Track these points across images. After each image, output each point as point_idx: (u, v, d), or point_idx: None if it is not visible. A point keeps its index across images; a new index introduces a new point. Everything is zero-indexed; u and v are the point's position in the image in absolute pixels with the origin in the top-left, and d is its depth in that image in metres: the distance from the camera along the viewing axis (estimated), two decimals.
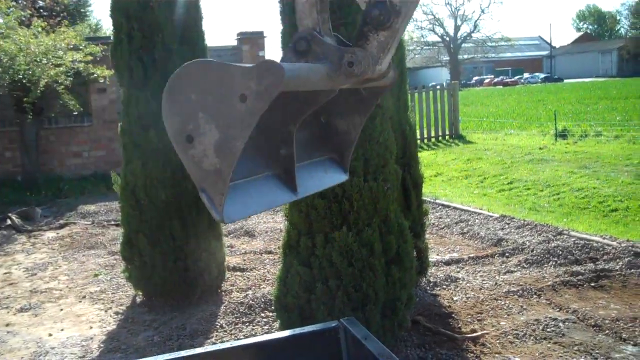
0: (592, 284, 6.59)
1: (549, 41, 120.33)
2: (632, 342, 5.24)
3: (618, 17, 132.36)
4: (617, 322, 5.61)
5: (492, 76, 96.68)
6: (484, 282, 6.82)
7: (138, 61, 6.40)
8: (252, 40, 18.72)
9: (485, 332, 5.48)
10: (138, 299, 6.95)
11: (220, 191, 2.21)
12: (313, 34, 2.60)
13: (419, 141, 19.85)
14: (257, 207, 2.59)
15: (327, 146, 3.08)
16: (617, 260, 7.18)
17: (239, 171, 2.40)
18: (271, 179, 2.73)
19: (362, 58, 2.54)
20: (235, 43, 18.97)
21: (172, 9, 6.54)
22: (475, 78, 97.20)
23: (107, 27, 40.33)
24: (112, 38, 6.67)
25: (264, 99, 2.06)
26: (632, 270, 6.87)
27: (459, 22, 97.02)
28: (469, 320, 5.80)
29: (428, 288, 6.67)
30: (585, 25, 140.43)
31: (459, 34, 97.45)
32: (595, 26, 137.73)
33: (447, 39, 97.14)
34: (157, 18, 6.41)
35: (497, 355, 5.09)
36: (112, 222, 11.19)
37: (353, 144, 3.03)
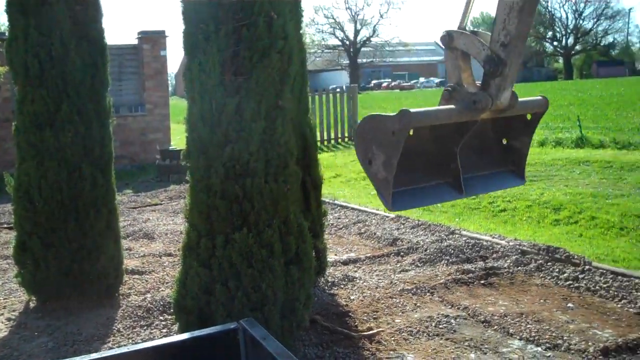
0: (482, 282, 6.83)
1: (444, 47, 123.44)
2: (518, 337, 5.46)
3: None
4: (505, 318, 5.84)
5: (390, 80, 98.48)
6: (379, 281, 6.96)
7: (34, 58, 6.18)
8: (154, 39, 18.42)
9: (380, 329, 5.59)
10: (32, 304, 6.70)
11: (389, 192, 3.91)
12: (454, 87, 4.26)
13: (319, 143, 20.01)
14: (422, 202, 4.39)
15: (508, 161, 4.68)
16: (506, 258, 7.47)
17: (413, 180, 4.16)
18: (443, 186, 4.30)
19: (483, 98, 4.02)
20: (136, 42, 18.61)
21: (70, 6, 6.35)
22: (374, 82, 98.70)
23: (1, 22, 38.75)
24: (7, 34, 6.42)
25: (403, 132, 3.74)
26: (519, 268, 7.16)
27: (358, 27, 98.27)
28: (365, 318, 5.91)
29: (326, 288, 6.75)
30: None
31: (358, 38, 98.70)
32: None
33: (347, 42, 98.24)
34: (54, 14, 6.21)
35: (391, 352, 5.20)
36: (5, 225, 10.74)
37: (526, 157, 4.68)
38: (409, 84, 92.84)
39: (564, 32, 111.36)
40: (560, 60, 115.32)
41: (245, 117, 4.71)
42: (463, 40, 4.32)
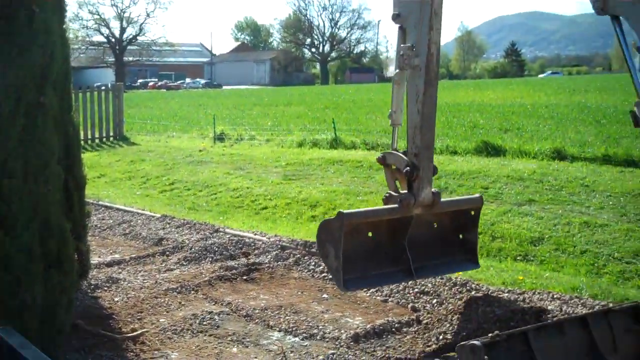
0: (245, 277, 6.98)
1: (209, 48, 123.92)
2: (277, 329, 5.66)
3: (271, 30, 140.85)
4: (266, 311, 6.02)
5: (156, 80, 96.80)
6: (144, 281, 6.85)
7: None
8: None
9: (145, 330, 5.51)
10: None
11: (339, 279, 5.13)
12: (391, 194, 5.49)
13: (82, 142, 19.15)
14: (374, 285, 5.85)
15: (463, 252, 6.01)
16: (267, 253, 7.69)
17: (368, 268, 5.39)
18: (396, 272, 5.58)
19: (407, 197, 5.28)
20: None
21: None
22: (140, 81, 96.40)
23: None
24: None
25: (341, 229, 4.98)
26: (279, 263, 7.41)
27: (124, 24, 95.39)
28: (129, 320, 5.78)
29: (89, 291, 6.50)
30: (243, 36, 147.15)
31: (124, 36, 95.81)
32: (252, 37, 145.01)
33: (113, 40, 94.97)
34: None
35: (155, 352, 5.15)
36: None
37: (477, 244, 6.07)
38: (175, 84, 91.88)
39: (321, 40, 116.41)
40: (318, 66, 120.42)
41: (2, 114, 4.41)
42: (391, 158, 5.52)
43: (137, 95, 58.67)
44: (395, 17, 5.34)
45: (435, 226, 5.87)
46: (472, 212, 5.95)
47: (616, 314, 4.35)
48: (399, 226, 5.50)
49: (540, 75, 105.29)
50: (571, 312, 5.40)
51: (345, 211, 5.13)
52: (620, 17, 3.88)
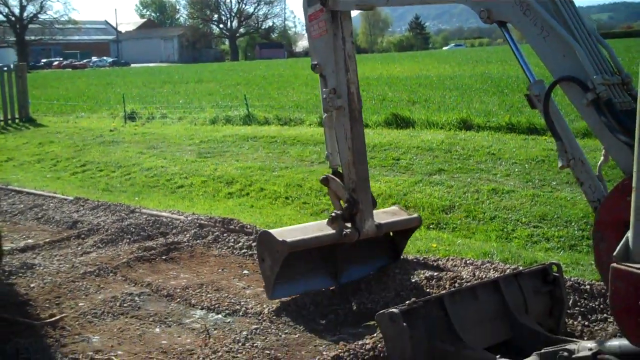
0: (164, 257, 6.86)
1: (115, 26, 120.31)
2: (200, 307, 5.60)
3: (178, 7, 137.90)
4: (187, 290, 5.95)
5: (61, 59, 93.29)
6: (61, 265, 6.63)
7: None
8: None
9: (64, 315, 5.35)
10: None
11: (270, 287, 5.36)
12: (337, 214, 5.48)
13: None
14: (300, 290, 5.54)
15: (388, 254, 6.20)
16: (185, 232, 7.58)
17: (297, 275, 5.50)
18: (322, 276, 5.74)
19: (351, 233, 5.43)
20: None
21: None
22: (44, 60, 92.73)
23: None
24: None
25: (282, 253, 5.19)
26: (198, 241, 7.32)
27: (24, 2, 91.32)
28: (47, 305, 5.60)
29: (3, 277, 6.25)
30: (148, 12, 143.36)
31: (24, 14, 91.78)
32: (158, 13, 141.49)
33: (13, 18, 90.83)
34: None
35: (76, 336, 5.01)
36: None
37: (403, 249, 6.30)
38: (81, 63, 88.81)
39: (228, 16, 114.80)
40: (227, 42, 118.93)
41: None
42: (334, 185, 5.58)
43: (41, 75, 56.47)
44: (314, 67, 5.49)
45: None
46: (391, 233, 6.10)
47: (526, 277, 4.51)
48: (336, 247, 5.67)
49: (445, 48, 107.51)
50: (484, 276, 5.56)
51: (289, 240, 5.22)
52: (508, 24, 4.07)
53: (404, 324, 3.75)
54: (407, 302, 3.93)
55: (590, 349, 3.41)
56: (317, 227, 5.69)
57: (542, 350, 3.64)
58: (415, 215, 6.25)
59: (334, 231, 5.47)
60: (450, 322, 3.99)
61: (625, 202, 3.25)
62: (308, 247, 5.39)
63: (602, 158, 3.76)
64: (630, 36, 76.98)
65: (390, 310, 3.83)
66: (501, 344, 4.16)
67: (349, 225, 5.50)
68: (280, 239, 5.23)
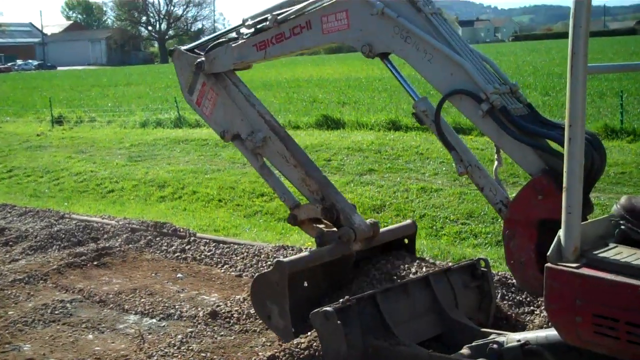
0: (95, 263, 6.72)
1: (40, 28, 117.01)
2: (133, 312, 5.51)
3: (105, 8, 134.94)
4: (120, 295, 5.84)
5: None
6: None
7: None
8: None
9: None
10: None
11: (290, 338, 4.30)
12: (322, 231, 4.86)
13: None
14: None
15: None
16: (117, 237, 7.44)
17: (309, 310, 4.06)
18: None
19: (345, 231, 4.64)
20: None
21: None
22: None
23: None
24: None
25: (284, 280, 4.35)
26: (130, 245, 7.20)
27: None
28: None
29: None
30: (74, 14, 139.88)
31: None
32: (84, 15, 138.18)
33: None
34: None
35: (7, 345, 4.86)
36: None
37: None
38: (5, 66, 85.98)
39: (157, 18, 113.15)
40: (156, 44, 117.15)
41: None
42: (302, 212, 4.96)
43: None
44: (224, 137, 5.16)
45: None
46: (406, 241, 5.44)
47: (455, 272, 4.60)
48: (343, 266, 4.92)
49: None
50: (415, 272, 5.65)
51: (284, 259, 4.52)
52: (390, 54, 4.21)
53: (338, 322, 3.79)
54: (340, 300, 3.96)
55: (519, 341, 3.50)
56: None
57: (473, 344, 3.73)
58: (409, 221, 5.56)
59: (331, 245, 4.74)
60: (383, 319, 4.04)
61: (536, 201, 3.42)
62: (309, 265, 4.60)
63: (495, 162, 3.93)
64: (551, 38, 79.64)
65: (325, 308, 3.85)
66: (433, 338, 4.23)
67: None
68: (274, 263, 4.52)
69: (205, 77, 5.12)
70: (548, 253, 2.90)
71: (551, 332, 3.44)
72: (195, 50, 5.25)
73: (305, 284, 4.69)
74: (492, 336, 3.80)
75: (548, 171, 3.43)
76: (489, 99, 3.57)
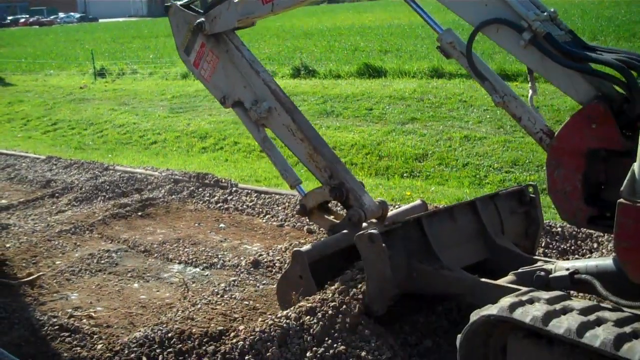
0: (140, 213, 6.83)
1: None
2: (177, 261, 5.61)
3: None
4: (164, 245, 5.94)
5: (28, 16, 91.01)
6: (36, 225, 6.58)
7: None
8: None
9: (41, 273, 5.33)
10: None
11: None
12: (333, 223, 4.68)
13: None
14: None
15: None
16: (160, 188, 7.54)
17: None
18: None
19: (355, 212, 4.47)
20: None
21: None
22: (10, 18, 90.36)
23: None
24: None
25: (306, 271, 4.15)
26: (173, 196, 7.29)
27: None
28: (24, 265, 5.57)
29: None
30: None
31: None
32: None
33: None
34: None
35: (55, 294, 5.00)
36: None
37: None
38: (48, 19, 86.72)
39: None
40: None
41: None
42: (310, 200, 4.74)
43: (8, 33, 55.04)
44: (224, 102, 4.92)
45: None
46: None
47: (502, 198, 4.46)
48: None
49: None
50: None
51: (302, 250, 4.23)
52: None
53: (383, 244, 3.74)
54: (386, 223, 3.90)
55: (568, 269, 3.40)
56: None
57: (519, 270, 3.64)
58: (419, 201, 5.37)
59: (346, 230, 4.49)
60: (428, 243, 3.96)
61: (588, 129, 3.25)
62: (327, 252, 4.32)
63: (530, 91, 3.80)
64: None
65: (370, 231, 3.77)
66: (478, 263, 4.14)
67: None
68: (293, 254, 4.27)
69: (204, 37, 4.82)
70: (621, 188, 2.73)
71: (602, 262, 3.33)
72: (191, 6, 4.94)
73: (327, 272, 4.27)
74: (539, 263, 3.71)
75: (603, 98, 3.26)
76: (532, 26, 3.40)
